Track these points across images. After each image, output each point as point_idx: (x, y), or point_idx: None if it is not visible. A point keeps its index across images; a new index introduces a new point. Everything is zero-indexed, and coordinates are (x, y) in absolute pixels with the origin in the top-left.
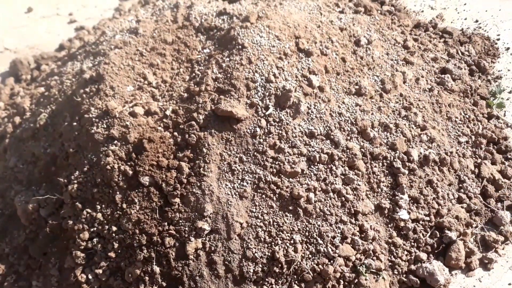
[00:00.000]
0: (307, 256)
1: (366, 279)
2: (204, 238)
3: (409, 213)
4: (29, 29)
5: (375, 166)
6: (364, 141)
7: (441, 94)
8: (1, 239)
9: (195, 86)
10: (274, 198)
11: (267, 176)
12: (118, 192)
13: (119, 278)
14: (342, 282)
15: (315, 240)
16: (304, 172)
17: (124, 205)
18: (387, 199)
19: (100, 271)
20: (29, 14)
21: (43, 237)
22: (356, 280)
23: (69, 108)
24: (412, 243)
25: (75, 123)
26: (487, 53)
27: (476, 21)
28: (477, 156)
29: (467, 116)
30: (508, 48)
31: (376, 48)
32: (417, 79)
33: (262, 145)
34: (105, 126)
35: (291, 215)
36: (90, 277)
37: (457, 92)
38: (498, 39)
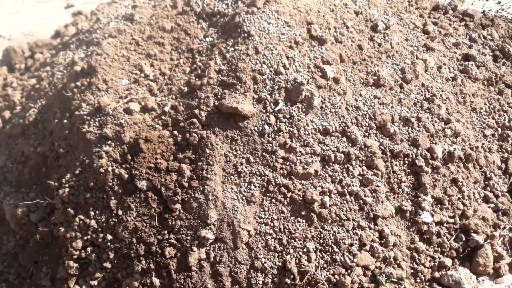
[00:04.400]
0: (321, 265)
1: None
2: (208, 248)
3: (432, 215)
4: (24, 15)
5: (396, 165)
6: (384, 137)
7: (465, 83)
8: None
9: (197, 79)
10: (285, 203)
11: (277, 178)
12: (113, 197)
13: None
14: None
15: (330, 248)
16: (318, 173)
17: (120, 212)
18: (409, 200)
19: (95, 282)
20: None
21: (34, 244)
22: None
23: (59, 104)
24: (436, 248)
25: (65, 121)
26: None
27: (499, 2)
28: (503, 150)
29: (492, 106)
30: None
31: (394, 33)
32: (439, 67)
33: (271, 144)
34: (97, 124)
35: (303, 221)
36: None
37: (481, 81)
38: None
